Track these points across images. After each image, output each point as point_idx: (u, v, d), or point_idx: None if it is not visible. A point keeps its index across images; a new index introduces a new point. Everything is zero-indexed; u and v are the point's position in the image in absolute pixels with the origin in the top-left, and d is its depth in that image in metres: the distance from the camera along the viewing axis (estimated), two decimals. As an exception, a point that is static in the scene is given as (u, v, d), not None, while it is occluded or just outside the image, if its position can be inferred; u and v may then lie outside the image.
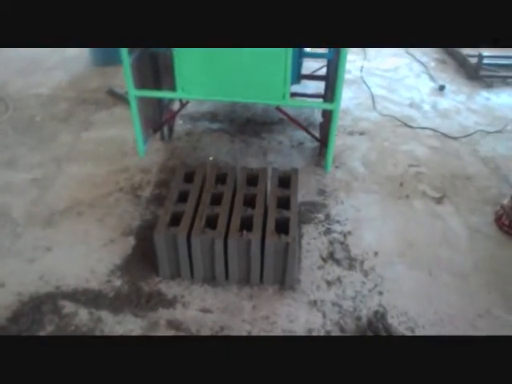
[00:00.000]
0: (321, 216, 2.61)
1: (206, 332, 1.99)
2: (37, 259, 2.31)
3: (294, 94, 3.02)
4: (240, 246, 2.08)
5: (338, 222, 2.57)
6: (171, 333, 1.98)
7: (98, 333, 1.97)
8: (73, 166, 2.94)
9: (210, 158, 3.03)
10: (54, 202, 2.65)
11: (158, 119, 2.97)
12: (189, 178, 2.41)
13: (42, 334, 1.96)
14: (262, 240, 2.08)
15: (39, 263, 2.28)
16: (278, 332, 1.99)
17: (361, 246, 2.42)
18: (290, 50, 2.22)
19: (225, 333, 1.99)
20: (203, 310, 2.09)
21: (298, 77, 2.64)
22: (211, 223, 2.14)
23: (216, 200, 2.27)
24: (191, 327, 2.00)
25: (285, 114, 2.81)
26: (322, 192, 2.78)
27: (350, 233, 2.50)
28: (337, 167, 2.97)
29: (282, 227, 2.14)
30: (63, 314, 2.05)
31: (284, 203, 2.26)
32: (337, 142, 3.15)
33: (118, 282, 2.19)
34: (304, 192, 2.75)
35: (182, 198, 2.28)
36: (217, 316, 2.06)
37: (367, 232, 2.51)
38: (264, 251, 2.09)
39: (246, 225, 2.14)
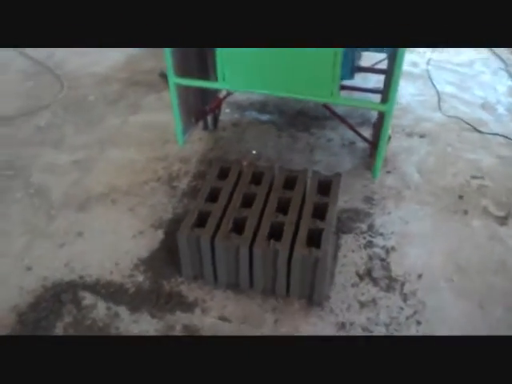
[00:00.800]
0: (363, 226, 2.39)
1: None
2: (67, 244, 2.30)
3: (347, 88, 2.78)
4: (266, 256, 1.93)
5: (381, 234, 2.34)
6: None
7: (112, 330, 1.92)
8: (115, 150, 2.91)
9: (253, 152, 2.88)
10: (91, 186, 2.63)
11: (201, 108, 2.86)
12: (224, 174, 2.29)
13: (58, 324, 1.94)
14: (290, 251, 1.92)
15: (68, 249, 2.27)
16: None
17: (404, 265, 2.18)
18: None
19: (241, 346, 1.87)
20: (222, 318, 1.97)
21: (352, 71, 2.40)
22: (238, 227, 2.01)
23: (248, 201, 2.12)
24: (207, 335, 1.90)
25: (332, 112, 2.59)
26: (368, 199, 2.55)
27: (393, 248, 2.27)
28: (388, 172, 2.72)
29: (315, 239, 1.96)
30: (82, 305, 2.02)
31: (321, 211, 2.08)
32: (392, 143, 2.88)
33: (140, 278, 2.13)
34: (348, 197, 2.54)
35: (213, 195, 2.16)
36: (235, 326, 1.94)
37: (413, 249, 2.26)
38: (291, 263, 1.93)
39: (276, 232, 1.99)
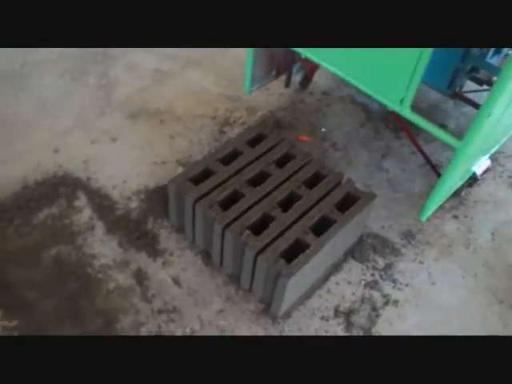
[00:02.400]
0: (380, 262, 2.03)
1: (156, 304, 1.81)
2: (97, 143, 2.35)
3: (457, 96, 2.25)
4: (236, 244, 1.75)
5: (394, 281, 1.97)
6: (128, 282, 1.86)
7: (80, 240, 1.96)
8: (197, 72, 2.82)
9: (323, 130, 2.57)
10: (153, 99, 2.61)
11: (288, 63, 2.58)
12: (256, 140, 2.07)
13: (44, 210, 2.04)
14: (261, 251, 1.71)
15: (95, 148, 2.33)
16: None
17: (391, 330, 1.82)
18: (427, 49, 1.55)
19: (171, 316, 1.78)
20: (175, 279, 1.89)
21: (451, 85, 1.90)
22: (229, 202, 1.83)
23: (258, 180, 1.91)
24: (150, 289, 1.84)
25: (401, 122, 2.12)
26: (408, 236, 2.13)
27: (395, 303, 1.90)
28: (455, 217, 2.22)
29: (297, 252, 1.71)
30: (73, 205, 2.09)
31: (324, 226, 1.79)
32: (482, 186, 2.34)
33: (133, 204, 2.11)
34: (388, 224, 2.16)
35: (230, 158, 1.98)
36: (179, 294, 1.85)
37: (417, 318, 1.87)
38: (255, 264, 1.72)
39: (263, 225, 1.77)
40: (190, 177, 1.89)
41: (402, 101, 1.77)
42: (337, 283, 1.95)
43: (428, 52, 1.59)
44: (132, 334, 1.72)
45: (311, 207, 1.84)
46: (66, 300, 1.79)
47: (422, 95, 2.69)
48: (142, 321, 1.76)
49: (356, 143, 2.52)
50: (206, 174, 1.92)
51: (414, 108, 1.80)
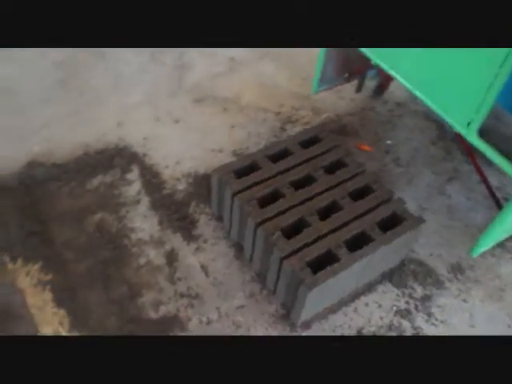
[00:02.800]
0: (419, 291, 1.89)
1: (180, 287, 1.83)
2: (160, 122, 2.42)
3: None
4: (267, 243, 1.72)
5: (429, 315, 1.83)
6: (159, 260, 1.90)
7: (123, 212, 2.04)
8: (273, 63, 2.79)
9: (388, 142, 2.44)
10: (223, 87, 2.63)
11: (362, 67, 2.46)
12: (312, 142, 2.01)
13: (98, 177, 2.14)
14: (289, 255, 1.66)
15: (158, 127, 2.39)
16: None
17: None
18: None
19: (192, 301, 1.79)
20: (203, 266, 1.90)
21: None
22: (269, 200, 1.80)
23: (302, 183, 1.86)
24: (177, 271, 1.87)
25: (466, 147, 1.93)
26: (456, 269, 1.97)
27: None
28: (515, 260, 2.02)
29: (326, 264, 1.64)
30: (125, 177, 2.17)
31: (363, 242, 1.70)
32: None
33: (181, 186, 2.15)
34: (436, 252, 2.01)
35: (279, 156, 1.95)
36: (205, 283, 1.85)
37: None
38: (281, 267, 1.68)
39: (297, 230, 1.73)
40: (235, 169, 1.88)
41: (469, 124, 1.62)
42: (366, 304, 1.85)
43: (507, 69, 1.43)
44: (151, 312, 1.76)
45: (351, 220, 1.76)
46: (99, 265, 1.87)
47: (507, 120, 2.46)
48: (163, 300, 1.80)
49: (421, 161, 2.36)
50: (251, 168, 1.90)
51: (489, 133, 1.64)
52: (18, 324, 1.70)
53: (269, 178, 1.86)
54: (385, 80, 2.59)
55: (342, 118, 2.54)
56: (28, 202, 2.02)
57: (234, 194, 1.81)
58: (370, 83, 2.62)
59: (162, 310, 1.78)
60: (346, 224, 1.75)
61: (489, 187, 2.01)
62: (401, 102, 2.67)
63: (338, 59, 2.34)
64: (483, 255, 2.02)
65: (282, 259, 1.65)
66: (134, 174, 2.18)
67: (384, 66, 1.88)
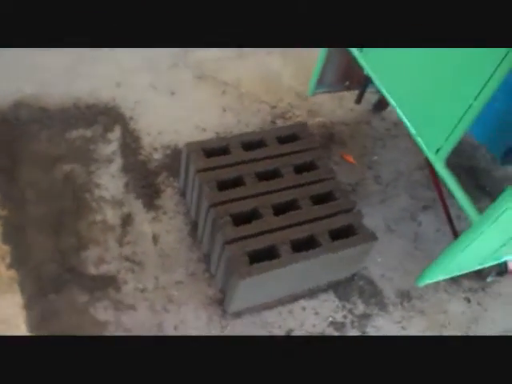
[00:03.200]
0: (360, 309, 1.87)
1: (126, 250, 1.85)
2: (156, 90, 2.42)
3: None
4: (214, 225, 1.72)
5: (363, 332, 1.81)
6: (113, 221, 1.92)
7: (92, 168, 2.07)
8: (281, 59, 2.77)
9: (375, 158, 2.41)
10: (228, 70, 2.62)
11: (364, 78, 2.43)
12: (291, 139, 2.00)
13: (74, 133, 2.17)
14: (228, 241, 1.66)
15: (152, 94, 2.40)
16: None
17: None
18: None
19: (134, 267, 1.81)
20: (155, 238, 1.91)
21: (508, 157, 1.64)
22: (229, 184, 1.80)
23: (268, 176, 1.86)
24: (128, 235, 1.89)
25: (432, 172, 1.88)
26: (404, 296, 1.94)
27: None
28: (467, 300, 1.97)
29: (267, 259, 1.64)
30: (105, 135, 2.19)
31: (310, 246, 1.69)
32: (515, 283, 2.05)
33: (156, 156, 2.16)
34: (389, 275, 1.99)
35: (254, 145, 1.94)
36: (151, 252, 1.87)
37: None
38: (222, 252, 1.68)
39: (250, 220, 1.73)
40: (205, 147, 1.89)
41: (438, 150, 1.59)
42: (303, 308, 1.84)
43: (480, 103, 1.40)
44: (91, 267, 1.79)
45: (304, 222, 1.75)
46: (56, 212, 1.90)
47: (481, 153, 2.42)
48: (106, 259, 1.82)
49: (402, 184, 2.33)
50: (222, 151, 1.90)
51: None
52: (-38, 249, 1.74)
53: (235, 164, 1.86)
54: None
55: (335, 125, 2.52)
56: (5, 139, 2.06)
57: (197, 172, 1.82)
58: (373, 97, 2.59)
59: (103, 268, 1.80)
60: (297, 224, 1.74)
61: (448, 216, 1.97)
62: (399, 122, 2.62)
63: (340, 65, 2.32)
64: (436, 288, 1.99)
65: (223, 244, 1.66)
66: (114, 135, 2.21)
67: (373, 75, 1.86)
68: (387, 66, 1.78)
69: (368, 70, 1.88)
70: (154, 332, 1.68)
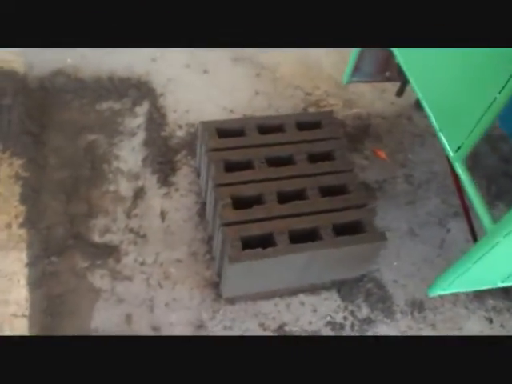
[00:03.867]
0: (364, 312, 1.75)
1: (133, 223, 1.87)
2: (190, 68, 2.41)
3: None
4: (216, 205, 1.68)
5: (362, 337, 1.69)
6: (126, 193, 1.94)
7: (115, 140, 2.10)
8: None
9: (409, 156, 2.24)
10: (268, 53, 2.55)
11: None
12: (312, 126, 1.91)
13: (104, 104, 2.22)
14: (225, 224, 1.61)
15: (185, 72, 2.40)
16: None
17: None
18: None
19: (137, 240, 1.83)
20: (163, 213, 1.91)
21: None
22: (238, 167, 1.74)
23: (280, 162, 1.78)
24: (137, 208, 1.91)
25: (452, 171, 1.66)
26: (415, 305, 1.79)
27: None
28: (489, 320, 1.78)
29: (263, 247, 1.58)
30: (133, 108, 2.22)
31: (311, 239, 1.61)
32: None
33: (179, 133, 2.16)
34: (403, 281, 1.84)
35: (271, 129, 1.87)
36: (157, 227, 1.87)
37: None
38: (219, 234, 1.64)
39: (253, 204, 1.67)
40: (221, 127, 1.85)
41: (458, 148, 1.43)
42: (302, 303, 1.76)
43: (505, 95, 1.23)
44: (96, 235, 1.82)
45: (309, 213, 1.66)
46: (72, 179, 1.96)
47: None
48: (112, 229, 1.85)
49: (434, 187, 2.15)
50: (237, 133, 1.85)
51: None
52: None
53: (248, 147, 1.80)
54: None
55: (372, 118, 2.37)
56: (39, 105, 2.15)
57: (207, 151, 1.78)
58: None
59: (107, 237, 1.83)
60: (300, 215, 1.65)
61: (470, 222, 1.78)
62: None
63: (379, 53, 2.17)
64: (455, 302, 1.82)
65: (220, 226, 1.61)
66: (142, 109, 2.23)
67: (401, 64, 1.72)
68: (415, 58, 1.63)
69: (398, 58, 1.74)
70: (145, 305, 1.68)
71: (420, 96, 1.64)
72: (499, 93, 1.26)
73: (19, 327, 1.58)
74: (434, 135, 2.38)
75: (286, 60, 2.55)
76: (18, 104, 2.09)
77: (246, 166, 1.76)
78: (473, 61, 1.35)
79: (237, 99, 2.34)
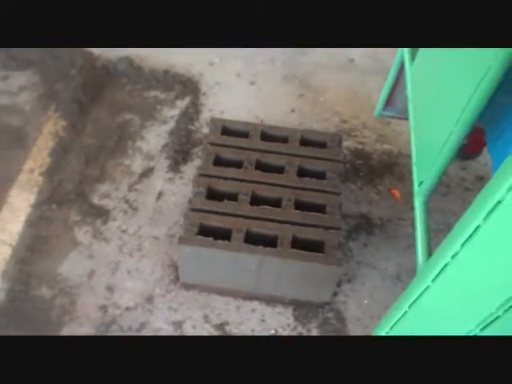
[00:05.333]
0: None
1: (131, 196, 2.02)
2: (241, 77, 2.56)
3: None
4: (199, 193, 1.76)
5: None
6: (138, 169, 2.11)
7: (147, 125, 2.29)
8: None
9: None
10: (321, 78, 2.61)
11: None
12: (315, 144, 1.91)
13: (151, 92, 2.44)
14: (193, 209, 1.68)
15: (235, 79, 2.55)
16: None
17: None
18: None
19: (128, 211, 1.97)
20: (160, 195, 2.04)
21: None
22: (229, 163, 1.81)
23: (270, 169, 1.81)
24: (139, 184, 2.07)
25: None
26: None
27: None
28: None
29: (219, 236, 1.62)
30: (174, 101, 2.42)
31: (268, 244, 1.61)
32: None
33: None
34: (369, 322, 1.73)
35: (274, 139, 1.91)
36: (150, 204, 2.00)
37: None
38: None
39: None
40: (227, 126, 1.94)
41: (421, 183, 1.35)
42: (252, 310, 1.74)
43: (461, 128, 1.15)
44: (96, 197, 2.01)
45: (275, 221, 1.66)
46: (97, 147, 2.18)
47: None
48: (111, 196, 2.02)
49: (441, 239, 1.98)
50: (241, 134, 1.93)
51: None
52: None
53: (244, 149, 1.87)
54: (472, 143, 2.20)
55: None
56: (96, 82, 2.45)
57: (208, 144, 1.88)
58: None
59: (104, 201, 2.01)
60: (266, 219, 1.66)
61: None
62: (484, 177, 2.24)
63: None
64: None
65: (187, 210, 1.69)
66: (182, 103, 2.42)
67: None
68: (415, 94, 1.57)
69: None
70: (109, 267, 1.81)
71: (411, 129, 1.57)
72: (455, 125, 1.18)
73: (2, 253, 1.81)
74: (465, 190, 2.23)
75: (336, 86, 2.58)
76: (80, 77, 2.41)
77: (236, 165, 1.83)
78: (439, 94, 1.28)
79: (271, 112, 2.42)
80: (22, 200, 1.98)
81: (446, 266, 1.12)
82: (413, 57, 1.74)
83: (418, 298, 1.27)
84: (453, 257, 1.06)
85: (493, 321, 1.25)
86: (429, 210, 2.11)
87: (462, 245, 1.02)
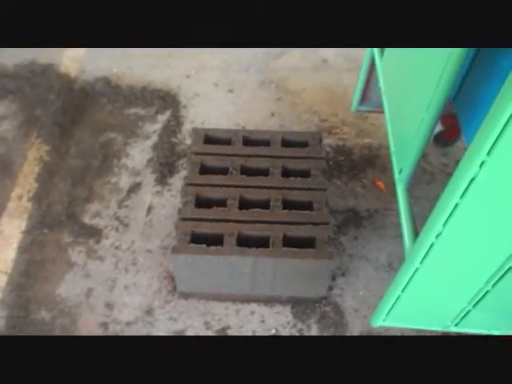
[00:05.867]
0: (312, 332, 1.71)
1: (121, 213, 2.05)
2: (217, 87, 2.61)
3: None
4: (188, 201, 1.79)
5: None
6: (124, 185, 2.13)
7: (131, 142, 2.32)
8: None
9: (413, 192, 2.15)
10: (297, 80, 2.66)
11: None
12: (298, 145, 1.96)
13: (132, 110, 2.47)
14: (184, 219, 1.71)
15: (212, 90, 2.59)
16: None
17: None
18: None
19: (119, 228, 1.99)
20: (150, 209, 2.06)
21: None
22: (214, 170, 1.85)
23: (255, 172, 1.85)
24: (129, 200, 2.09)
25: None
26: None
27: None
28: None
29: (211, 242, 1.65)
30: (155, 116, 2.45)
31: (260, 245, 1.64)
32: None
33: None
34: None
35: (257, 143, 1.95)
36: (141, 219, 2.03)
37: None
38: (177, 228, 1.74)
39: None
40: (209, 135, 1.98)
41: (401, 170, 1.40)
42: (251, 312, 1.77)
43: (431, 114, 1.20)
44: (86, 217, 2.03)
45: (264, 222, 1.69)
46: (82, 168, 2.20)
47: None
48: (102, 214, 2.04)
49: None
50: (224, 141, 1.96)
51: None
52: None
53: (228, 155, 1.90)
54: (447, 130, 2.27)
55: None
56: (75, 104, 2.47)
57: (190, 154, 1.91)
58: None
59: (95, 220, 2.02)
60: (255, 222, 1.70)
61: None
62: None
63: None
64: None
65: (177, 220, 1.72)
66: (163, 117, 2.45)
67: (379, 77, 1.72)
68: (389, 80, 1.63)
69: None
70: (107, 284, 1.83)
71: (387, 120, 1.63)
72: (426, 112, 1.23)
73: (-1, 281, 1.82)
74: (448, 175, 2.29)
75: (312, 86, 2.63)
76: (59, 100, 2.43)
77: (221, 171, 1.86)
78: (408, 84, 1.33)
79: (251, 118, 2.47)
80: (13, 227, 1.99)
81: (431, 246, 1.16)
82: (382, 52, 1.80)
83: (409, 281, 1.32)
84: (437, 237, 1.10)
85: (483, 296, 1.30)
86: (415, 199, 2.17)
87: (444, 224, 1.06)
